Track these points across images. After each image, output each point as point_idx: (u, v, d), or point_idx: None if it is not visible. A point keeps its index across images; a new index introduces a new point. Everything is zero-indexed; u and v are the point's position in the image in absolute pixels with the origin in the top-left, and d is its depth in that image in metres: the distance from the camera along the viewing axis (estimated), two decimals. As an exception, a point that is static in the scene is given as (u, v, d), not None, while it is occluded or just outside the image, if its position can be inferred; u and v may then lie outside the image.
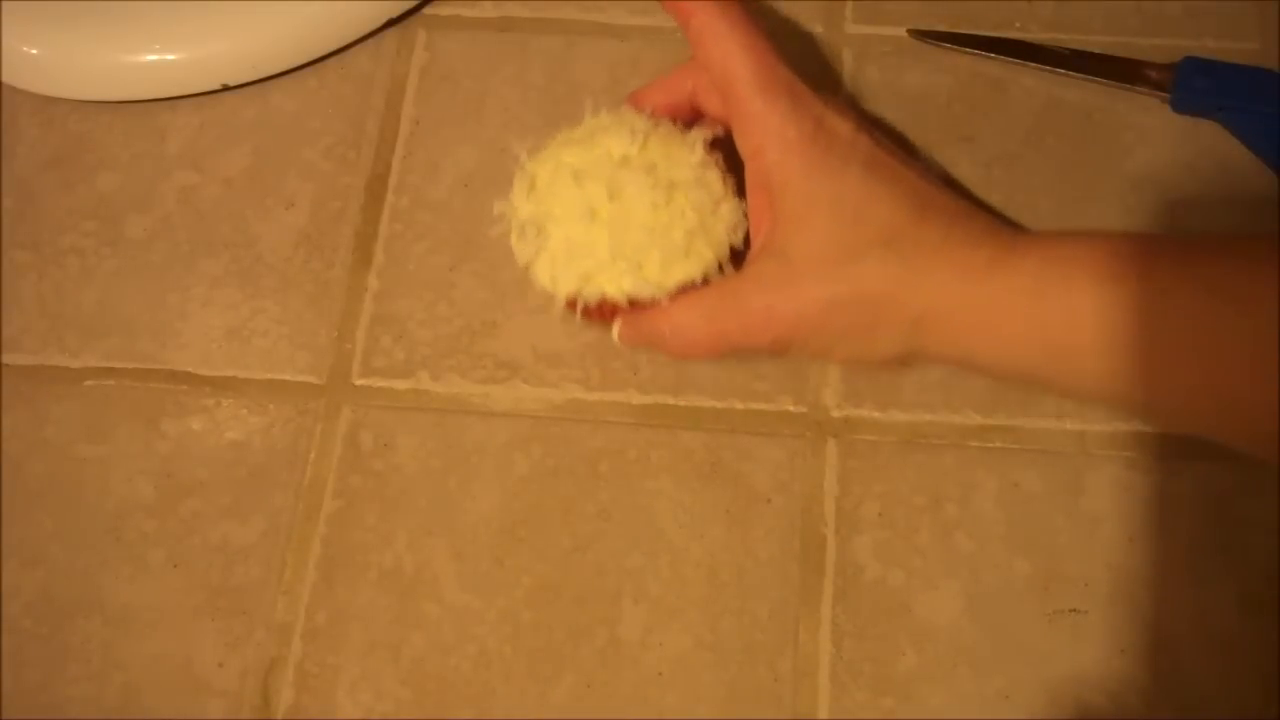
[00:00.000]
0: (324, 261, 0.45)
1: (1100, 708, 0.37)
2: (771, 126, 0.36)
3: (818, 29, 0.47)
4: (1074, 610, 0.38)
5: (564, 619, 0.40)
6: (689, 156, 0.38)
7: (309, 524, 0.42)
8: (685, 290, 0.38)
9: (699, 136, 0.38)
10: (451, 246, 0.45)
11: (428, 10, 0.50)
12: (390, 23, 0.49)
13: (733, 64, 0.36)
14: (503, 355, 0.43)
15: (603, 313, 0.39)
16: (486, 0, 0.49)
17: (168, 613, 0.41)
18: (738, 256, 0.39)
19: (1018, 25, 0.46)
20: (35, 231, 0.47)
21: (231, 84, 0.48)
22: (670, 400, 0.42)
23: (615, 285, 0.37)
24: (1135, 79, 0.44)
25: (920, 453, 0.41)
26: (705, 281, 0.38)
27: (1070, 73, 0.45)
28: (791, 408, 0.42)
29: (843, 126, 0.37)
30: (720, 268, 0.38)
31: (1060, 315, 0.34)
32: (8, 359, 0.45)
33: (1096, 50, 0.45)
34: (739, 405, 0.42)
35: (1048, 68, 0.45)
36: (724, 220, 0.38)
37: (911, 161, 0.38)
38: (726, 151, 0.39)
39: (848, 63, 0.47)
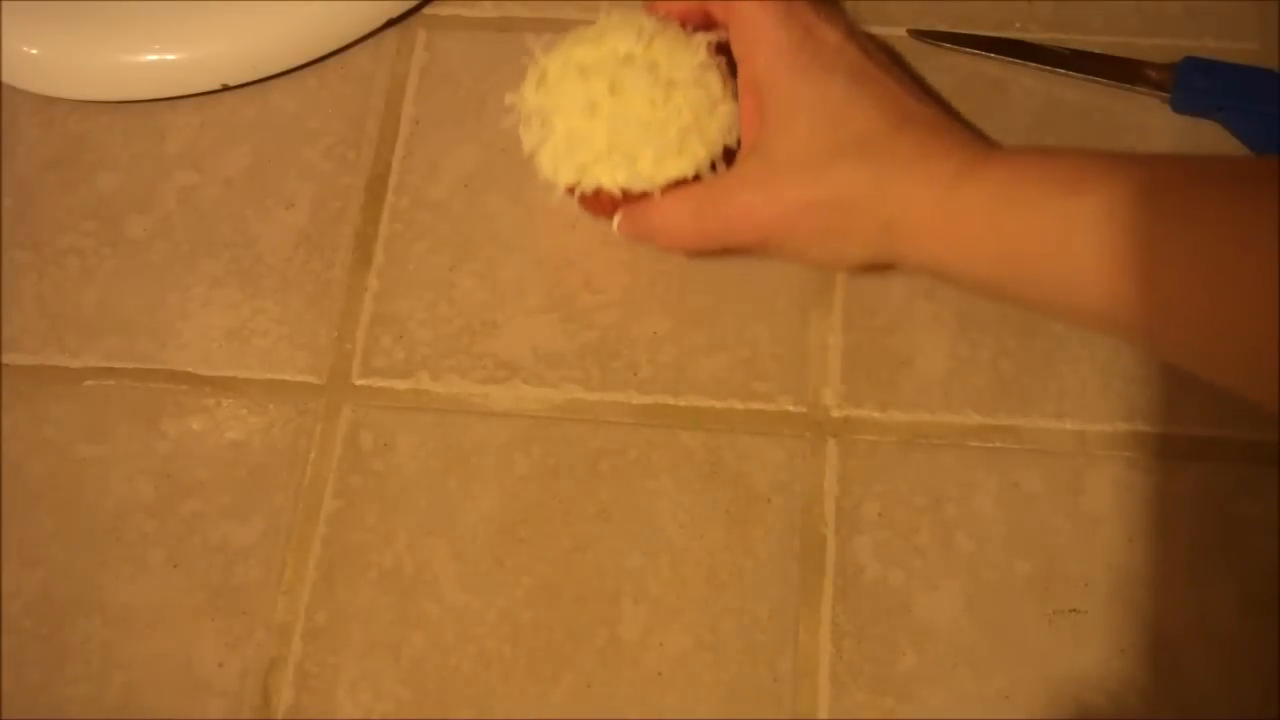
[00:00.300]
0: (324, 261, 0.45)
1: (1100, 708, 0.37)
2: (763, 31, 0.38)
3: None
4: (1074, 610, 0.38)
5: (564, 619, 0.40)
6: (691, 58, 0.40)
7: (309, 524, 0.42)
8: (677, 186, 0.40)
9: (703, 40, 0.40)
10: (451, 246, 0.45)
11: (428, 10, 0.50)
12: (390, 23, 0.49)
13: None
14: (503, 355, 0.43)
15: (600, 204, 0.41)
16: (486, 0, 0.49)
17: (168, 613, 0.41)
18: (731, 157, 0.41)
19: (1018, 25, 0.46)
20: (35, 231, 0.47)
21: (231, 84, 0.48)
22: (670, 400, 0.42)
23: (610, 177, 0.40)
24: (1135, 79, 0.44)
25: (920, 453, 0.41)
26: (697, 178, 0.40)
27: (1070, 73, 0.45)
28: (791, 408, 0.42)
29: (832, 35, 0.39)
30: (713, 166, 0.40)
31: (1019, 224, 0.35)
32: (8, 359, 0.45)
33: (1096, 50, 0.45)
34: (739, 405, 0.42)
35: (1048, 68, 0.45)
36: (719, 121, 0.40)
37: (898, 73, 0.40)
38: (731, 58, 0.41)
39: (848, 63, 0.46)
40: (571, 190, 0.41)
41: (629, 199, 0.40)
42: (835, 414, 0.41)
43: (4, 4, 0.48)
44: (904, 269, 0.40)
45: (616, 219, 0.42)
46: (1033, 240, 0.35)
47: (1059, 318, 0.40)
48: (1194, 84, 0.43)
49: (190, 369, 0.44)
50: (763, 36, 0.39)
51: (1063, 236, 0.34)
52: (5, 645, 0.41)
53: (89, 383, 0.45)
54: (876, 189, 0.37)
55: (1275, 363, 0.30)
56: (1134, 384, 0.41)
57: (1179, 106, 0.44)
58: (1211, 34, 0.45)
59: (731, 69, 0.41)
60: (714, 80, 0.40)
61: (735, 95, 0.41)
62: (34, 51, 0.48)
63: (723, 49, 0.40)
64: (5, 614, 0.41)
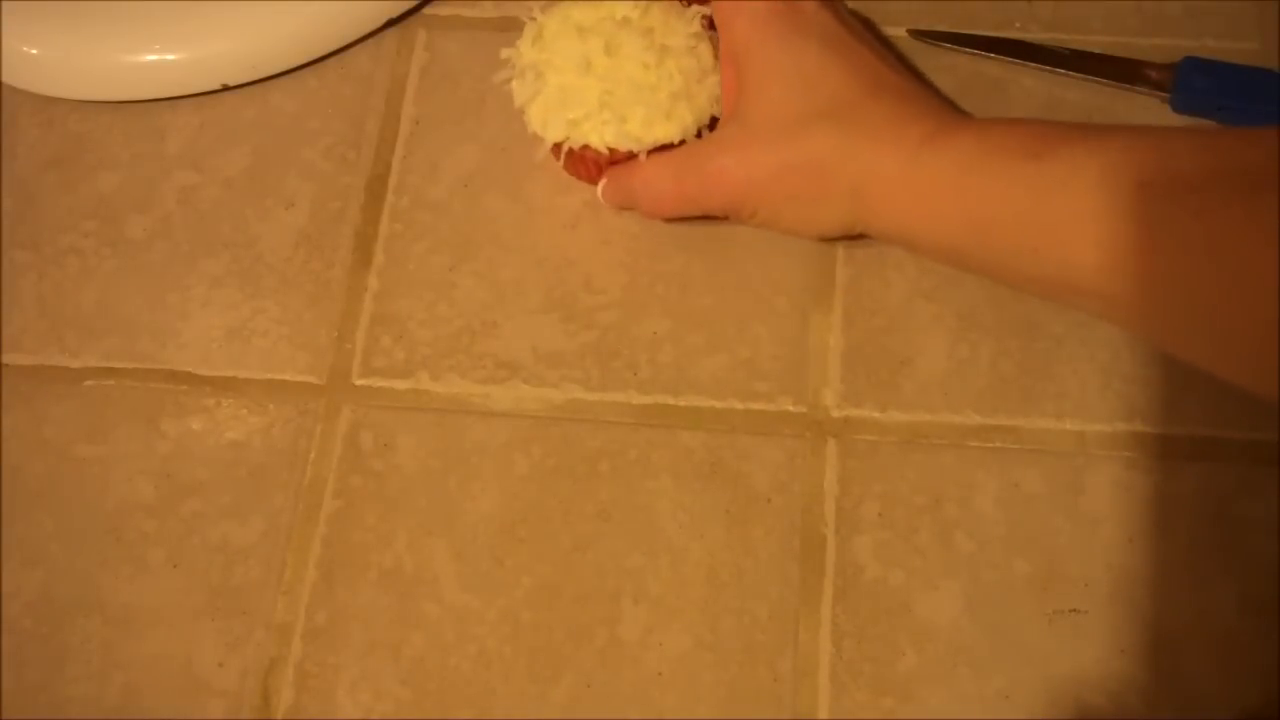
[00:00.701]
0: (324, 261, 0.45)
1: (1100, 708, 0.37)
2: None
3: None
4: (1074, 610, 0.38)
5: (564, 619, 0.40)
6: (686, 27, 0.41)
7: (309, 524, 0.42)
8: (663, 150, 0.41)
9: (698, 12, 0.42)
10: (451, 246, 0.45)
11: (428, 10, 0.50)
12: (390, 23, 0.49)
13: None
14: (503, 355, 0.43)
15: (584, 164, 0.42)
16: (486, 0, 0.49)
17: (168, 613, 0.41)
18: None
19: (1018, 25, 0.46)
20: (35, 231, 0.47)
21: (231, 84, 0.48)
22: (670, 400, 0.42)
23: (599, 135, 0.41)
24: (1135, 79, 0.44)
25: (920, 453, 0.41)
26: (683, 144, 0.41)
27: (1070, 73, 0.45)
28: (791, 408, 0.42)
29: (808, 3, 0.40)
30: (699, 133, 0.41)
31: (985, 191, 0.35)
32: (8, 359, 0.45)
33: (1096, 50, 0.45)
34: (739, 405, 0.42)
35: (1048, 68, 0.45)
36: (708, 90, 0.41)
37: (873, 42, 0.41)
38: None
39: (848, 63, 0.47)
40: (558, 148, 0.42)
41: (614, 159, 0.41)
42: (835, 414, 0.41)
43: (4, 4, 0.48)
44: (875, 238, 0.41)
45: (602, 184, 0.43)
46: (999, 207, 0.35)
47: (1024, 288, 0.40)
48: (1194, 84, 0.43)
49: (190, 369, 0.44)
50: (742, 4, 0.39)
51: (1029, 203, 0.34)
52: (5, 645, 0.41)
53: (89, 383, 0.45)
54: (846, 153, 0.38)
55: (1221, 319, 0.31)
56: (1134, 384, 0.41)
57: (1179, 106, 0.44)
58: (1211, 34, 0.45)
59: None
60: (706, 51, 0.41)
61: None
62: (34, 51, 0.48)
63: (714, 24, 0.42)
64: (5, 614, 0.41)
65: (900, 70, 0.40)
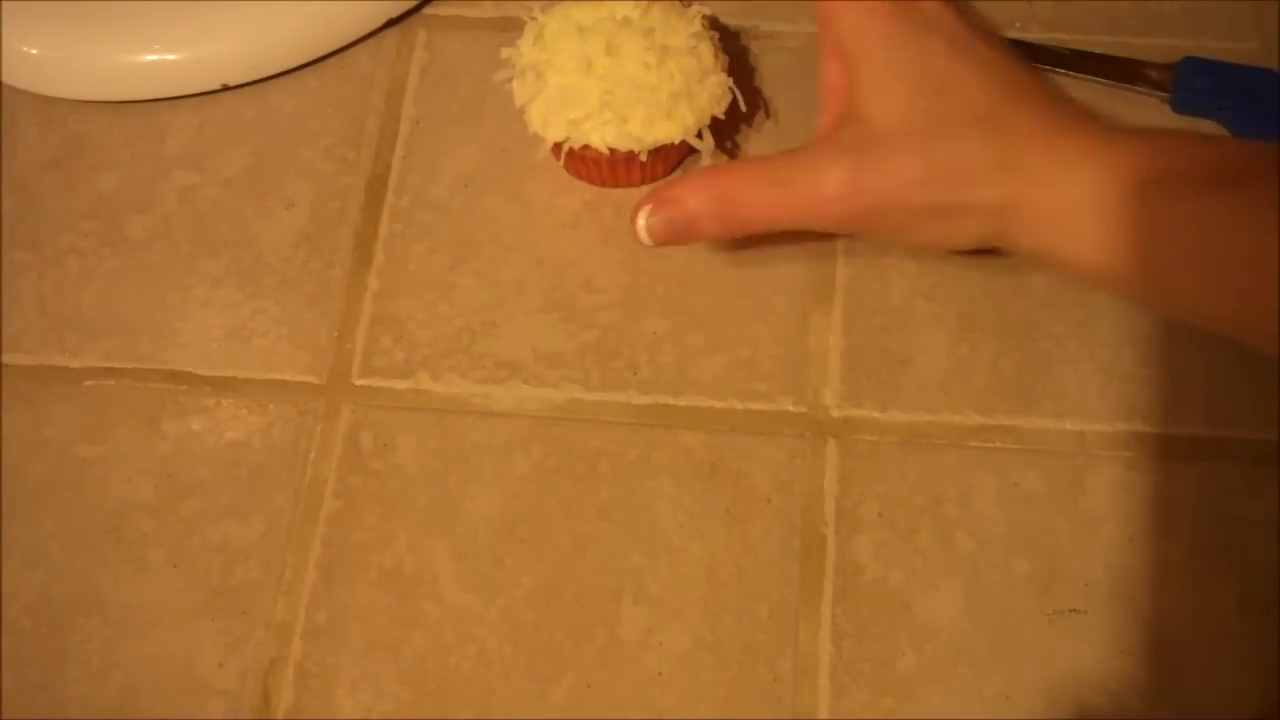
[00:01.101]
0: (324, 261, 0.45)
1: (1100, 708, 0.37)
2: None
3: (818, 29, 0.47)
4: (1074, 610, 0.38)
5: (564, 619, 0.40)
6: (686, 27, 0.41)
7: (309, 524, 0.42)
8: (663, 149, 0.41)
9: (698, 11, 0.42)
10: (451, 246, 0.45)
11: (428, 10, 0.50)
12: (390, 23, 0.49)
13: None
14: (503, 355, 0.43)
15: (584, 163, 0.43)
16: (486, 0, 0.49)
17: (168, 613, 0.41)
18: (718, 128, 0.42)
19: (1018, 25, 0.46)
20: (35, 231, 0.47)
21: (231, 84, 0.48)
22: (670, 400, 0.42)
23: (599, 135, 0.41)
24: (1135, 79, 0.44)
25: (920, 453, 0.41)
26: (682, 144, 0.41)
27: (1070, 73, 0.45)
28: (791, 408, 0.42)
29: (928, 3, 0.36)
30: (699, 134, 0.41)
31: (1153, 218, 0.31)
32: (8, 359, 0.45)
33: (1096, 50, 0.45)
34: (739, 405, 0.42)
35: (1048, 68, 0.45)
36: (709, 90, 0.41)
37: (1003, 44, 0.37)
38: (722, 33, 0.44)
39: (848, 63, 0.47)
40: (559, 148, 0.42)
41: (614, 159, 0.41)
42: (835, 414, 0.41)
43: (4, 4, 0.48)
44: (1013, 254, 0.37)
45: (643, 217, 0.38)
46: (1176, 238, 0.31)
47: (1198, 324, 0.36)
48: (1194, 84, 0.43)
49: (190, 369, 0.44)
50: None
51: (1209, 239, 0.31)
52: (5, 645, 0.41)
53: (89, 383, 0.45)
54: (995, 165, 0.33)
55: None
56: (1134, 384, 0.41)
57: (1179, 106, 0.44)
58: (1211, 34, 0.45)
59: (722, 43, 0.42)
60: (706, 51, 0.41)
61: (725, 68, 0.42)
62: (34, 51, 0.48)
63: (715, 24, 0.42)
64: (5, 614, 0.41)
65: (1032, 70, 0.36)
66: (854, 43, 0.35)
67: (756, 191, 0.35)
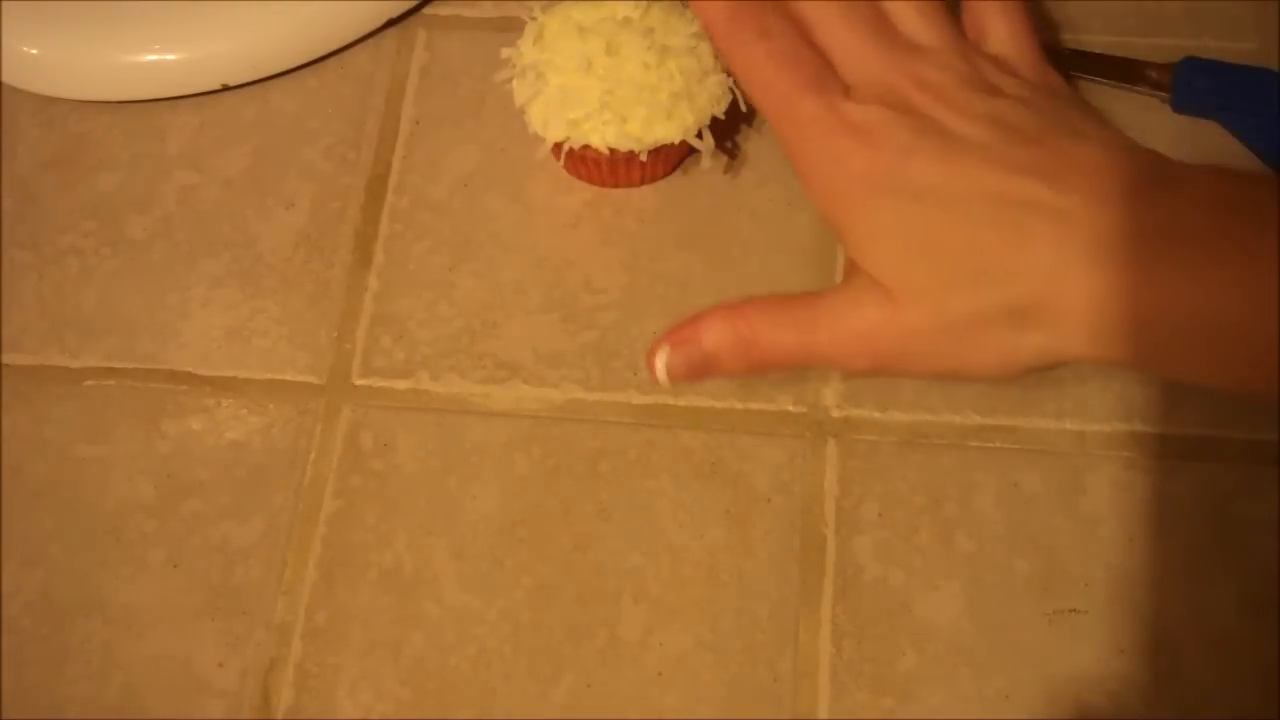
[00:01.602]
0: (324, 261, 0.46)
1: (1100, 708, 0.37)
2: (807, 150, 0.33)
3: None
4: (1074, 610, 0.38)
5: (564, 619, 0.40)
6: (686, 27, 0.41)
7: (309, 524, 0.42)
8: (663, 149, 0.41)
9: None
10: (451, 246, 0.45)
11: (428, 10, 0.50)
12: (390, 23, 0.49)
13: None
14: (503, 355, 0.43)
15: (584, 163, 0.43)
16: (486, 0, 0.49)
17: (168, 613, 0.41)
18: (718, 128, 0.42)
19: (1018, 25, 0.46)
20: (35, 231, 0.47)
21: (231, 84, 0.48)
22: (670, 400, 0.42)
23: (600, 135, 0.41)
24: (1135, 79, 0.44)
25: (920, 453, 0.41)
26: (682, 144, 0.41)
27: (1070, 73, 0.45)
28: (791, 408, 0.42)
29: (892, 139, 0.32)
30: (699, 134, 0.41)
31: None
32: (8, 359, 0.45)
33: (1096, 50, 0.45)
34: (739, 405, 0.42)
35: (1048, 68, 0.45)
36: (709, 90, 0.41)
37: (1015, 91, 0.33)
38: None
39: (848, 63, 0.47)
40: (559, 148, 0.42)
41: (614, 159, 0.41)
42: (835, 414, 0.41)
43: (4, 4, 0.48)
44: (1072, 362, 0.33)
45: (662, 359, 0.35)
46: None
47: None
48: (1194, 84, 0.43)
49: (190, 369, 0.44)
50: (804, 130, 0.33)
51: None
52: (5, 645, 0.41)
53: (89, 383, 0.45)
54: (1064, 276, 0.31)
55: None
56: (1134, 384, 0.41)
57: (1179, 106, 0.44)
58: (1211, 34, 0.45)
59: None
60: (706, 51, 0.41)
61: (725, 69, 0.42)
62: (34, 51, 0.48)
63: None
64: (5, 614, 0.41)
65: (1090, 134, 0.32)
66: (824, 205, 0.33)
67: (779, 333, 0.34)
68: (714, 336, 0.34)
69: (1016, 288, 0.31)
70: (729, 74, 0.42)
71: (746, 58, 0.34)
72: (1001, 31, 0.36)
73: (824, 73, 0.33)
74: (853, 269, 0.34)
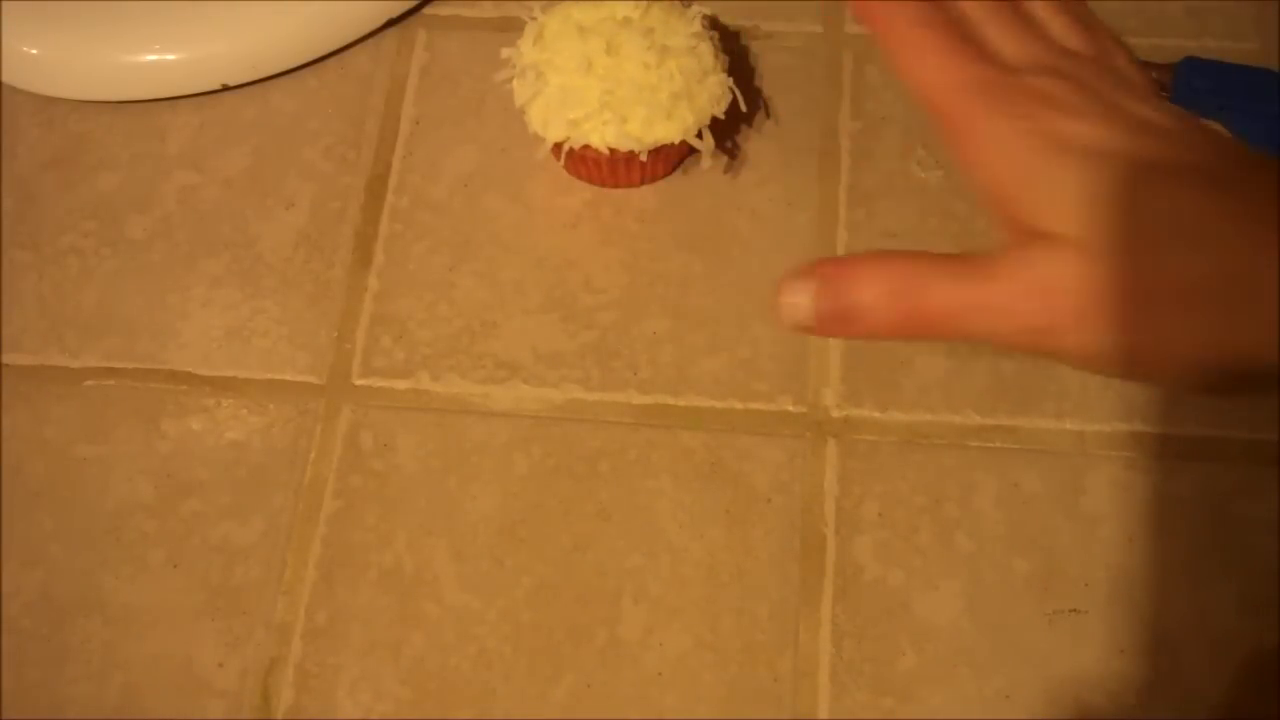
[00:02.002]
0: (324, 261, 0.46)
1: (1100, 708, 0.37)
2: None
3: (818, 29, 0.47)
4: (1074, 610, 0.38)
5: (564, 619, 0.40)
6: (686, 27, 0.42)
7: (309, 524, 0.42)
8: (663, 149, 0.41)
9: (698, 11, 0.42)
10: (451, 246, 0.45)
11: (428, 10, 0.50)
12: (390, 23, 0.49)
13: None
14: (503, 355, 0.43)
15: (584, 163, 0.43)
16: (486, 0, 0.49)
17: (168, 613, 0.41)
18: (718, 128, 0.42)
19: (1018, 25, 0.46)
20: (35, 231, 0.47)
21: (231, 84, 0.48)
22: (670, 400, 0.42)
23: (599, 135, 0.41)
24: (1135, 79, 0.44)
25: (920, 453, 0.41)
26: (682, 144, 0.42)
27: (1070, 73, 0.45)
28: (791, 408, 0.42)
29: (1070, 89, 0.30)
30: (699, 134, 0.42)
31: None
32: (8, 359, 0.45)
33: (1096, 50, 0.45)
34: (739, 405, 0.42)
35: (1048, 68, 0.45)
36: (709, 90, 0.41)
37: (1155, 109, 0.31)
38: (722, 33, 0.44)
39: (847, 63, 0.47)
40: (559, 147, 0.42)
41: (614, 159, 0.42)
42: (835, 414, 0.41)
43: (4, 4, 0.48)
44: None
45: (800, 294, 0.29)
46: None
47: None
48: (1194, 84, 0.43)
49: (190, 369, 0.44)
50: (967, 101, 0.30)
51: None
52: (5, 645, 0.41)
53: (89, 383, 0.45)
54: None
55: None
56: (1134, 384, 0.41)
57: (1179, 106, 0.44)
58: (1211, 34, 0.45)
59: (722, 43, 0.42)
60: (706, 51, 0.41)
61: (725, 68, 0.42)
62: (34, 51, 0.48)
63: (715, 24, 0.42)
64: (5, 614, 0.41)
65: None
66: (1003, 169, 0.29)
67: (947, 285, 0.29)
68: (870, 283, 0.29)
69: (1225, 255, 0.26)
70: (729, 74, 0.42)
71: (919, 38, 0.31)
72: (1120, 60, 0.36)
73: (990, 52, 0.32)
74: (1023, 237, 0.29)
